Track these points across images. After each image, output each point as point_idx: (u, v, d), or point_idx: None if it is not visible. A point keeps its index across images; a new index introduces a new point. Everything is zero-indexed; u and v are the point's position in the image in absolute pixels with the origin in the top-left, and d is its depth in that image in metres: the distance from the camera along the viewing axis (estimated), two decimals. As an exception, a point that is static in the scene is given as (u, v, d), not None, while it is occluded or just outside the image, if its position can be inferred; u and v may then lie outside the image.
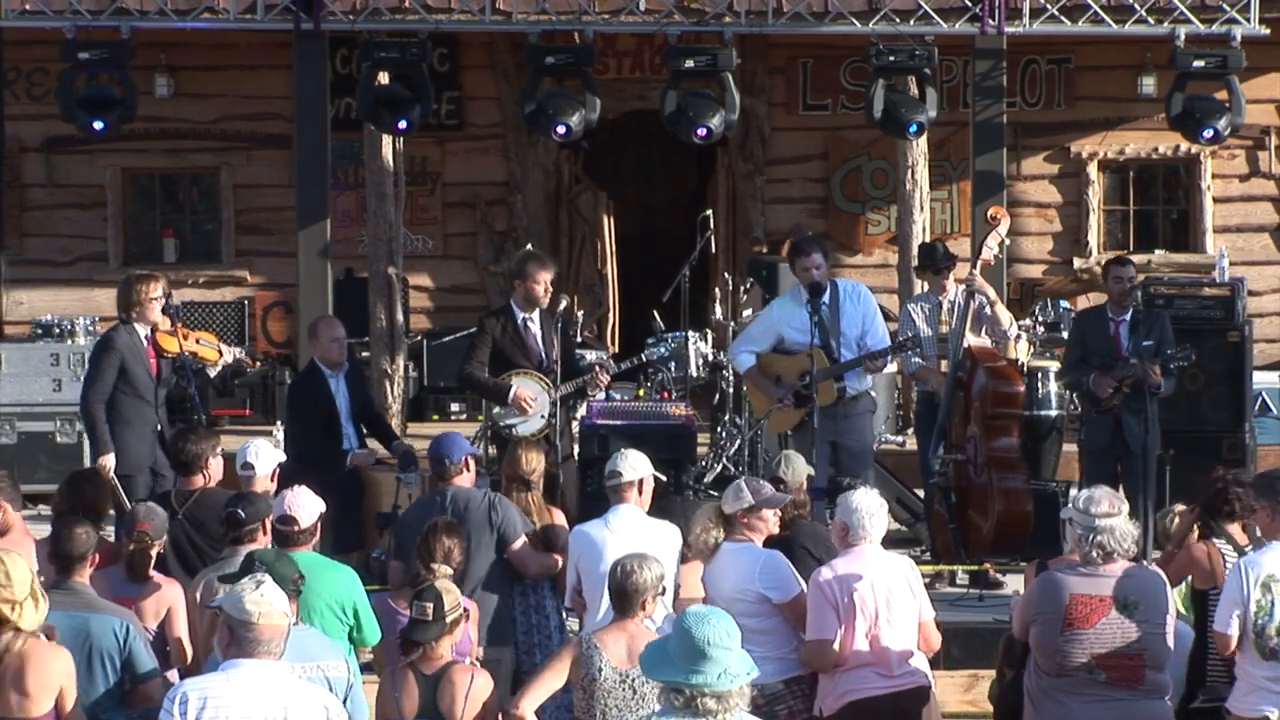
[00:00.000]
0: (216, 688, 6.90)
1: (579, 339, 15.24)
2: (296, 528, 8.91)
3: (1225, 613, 8.57)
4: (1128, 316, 12.86)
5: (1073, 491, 12.56)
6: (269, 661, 6.94)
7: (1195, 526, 9.45)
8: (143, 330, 12.37)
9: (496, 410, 12.55)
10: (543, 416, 12.46)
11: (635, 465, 9.66)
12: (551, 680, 8.13)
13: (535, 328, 12.53)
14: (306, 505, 8.96)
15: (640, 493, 9.67)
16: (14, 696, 7.54)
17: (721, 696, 5.84)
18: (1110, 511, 8.39)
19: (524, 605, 10.05)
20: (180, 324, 12.48)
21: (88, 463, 12.74)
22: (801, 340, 12.41)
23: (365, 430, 12.73)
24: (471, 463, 10.26)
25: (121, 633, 8.18)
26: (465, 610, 8.26)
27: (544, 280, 12.49)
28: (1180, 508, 9.91)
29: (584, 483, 13.02)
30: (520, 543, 9.90)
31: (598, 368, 12.66)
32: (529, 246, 16.44)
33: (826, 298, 12.48)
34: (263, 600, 6.94)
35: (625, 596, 8.27)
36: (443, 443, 10.19)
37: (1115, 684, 8.36)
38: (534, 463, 10.28)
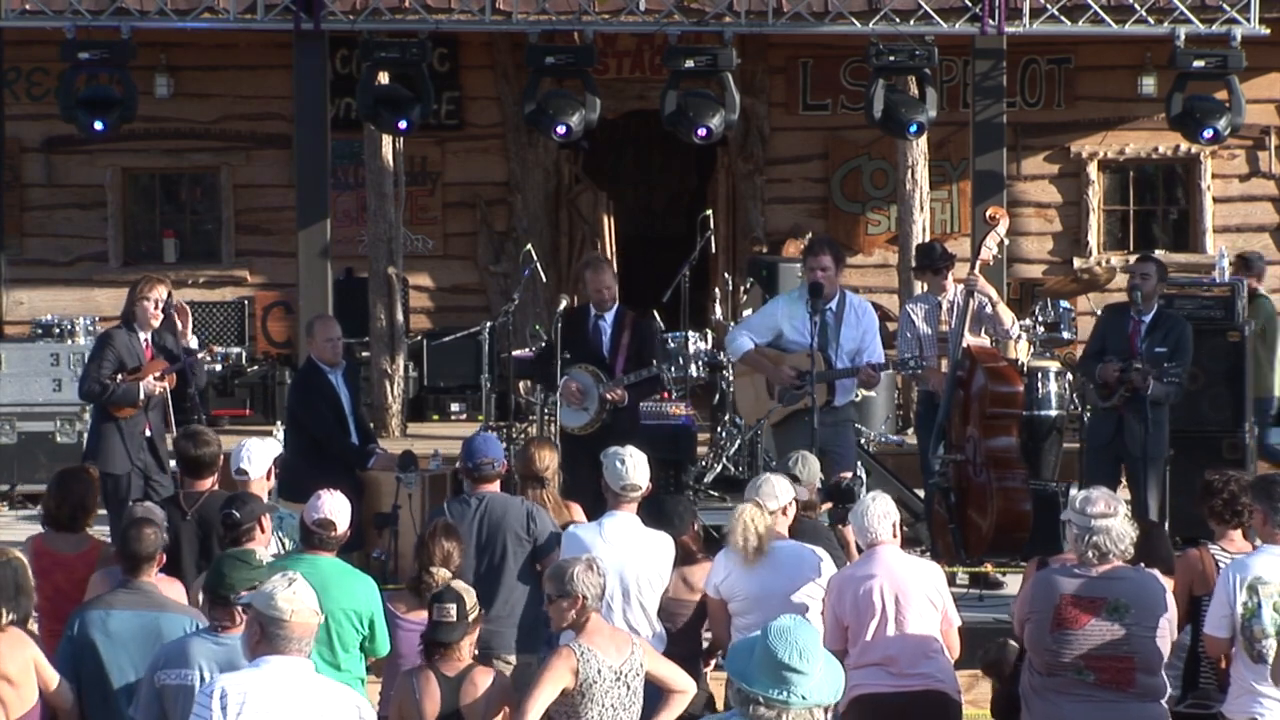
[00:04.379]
0: (255, 683, 6.87)
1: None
2: (334, 532, 8.89)
3: (1215, 616, 8.62)
4: (1148, 317, 12.70)
5: (1073, 491, 12.56)
6: (299, 659, 6.94)
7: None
8: (143, 334, 12.40)
9: (551, 400, 12.70)
10: (586, 410, 12.65)
11: (645, 473, 9.63)
12: (551, 690, 8.02)
13: (606, 326, 12.76)
14: (341, 510, 8.94)
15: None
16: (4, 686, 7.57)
17: (779, 710, 5.79)
18: (1106, 512, 8.41)
19: None
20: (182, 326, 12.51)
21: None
22: (800, 340, 12.41)
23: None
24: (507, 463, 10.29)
25: (190, 631, 8.15)
26: (481, 611, 8.26)
27: (595, 283, 12.87)
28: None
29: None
30: (554, 554, 9.83)
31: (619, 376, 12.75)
32: (529, 247, 16.45)
33: (833, 305, 12.53)
34: (295, 598, 6.93)
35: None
36: (485, 445, 10.02)
37: (1104, 685, 8.37)
38: (547, 460, 10.20)
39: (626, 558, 9.35)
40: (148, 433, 12.35)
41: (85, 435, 15.15)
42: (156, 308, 12.41)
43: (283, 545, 9.49)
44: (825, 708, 5.84)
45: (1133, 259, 15.24)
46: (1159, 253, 18.48)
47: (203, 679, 7.54)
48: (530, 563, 9.77)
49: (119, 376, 12.24)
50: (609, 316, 12.84)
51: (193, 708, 7.01)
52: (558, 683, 8.02)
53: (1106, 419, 12.74)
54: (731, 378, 15.14)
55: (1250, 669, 8.53)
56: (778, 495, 9.46)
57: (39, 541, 9.53)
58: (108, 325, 13.76)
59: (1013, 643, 9.45)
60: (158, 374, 12.29)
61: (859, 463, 13.20)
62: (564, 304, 12.51)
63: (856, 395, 13.00)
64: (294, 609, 6.91)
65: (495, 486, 9.96)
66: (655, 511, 9.68)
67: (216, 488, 9.92)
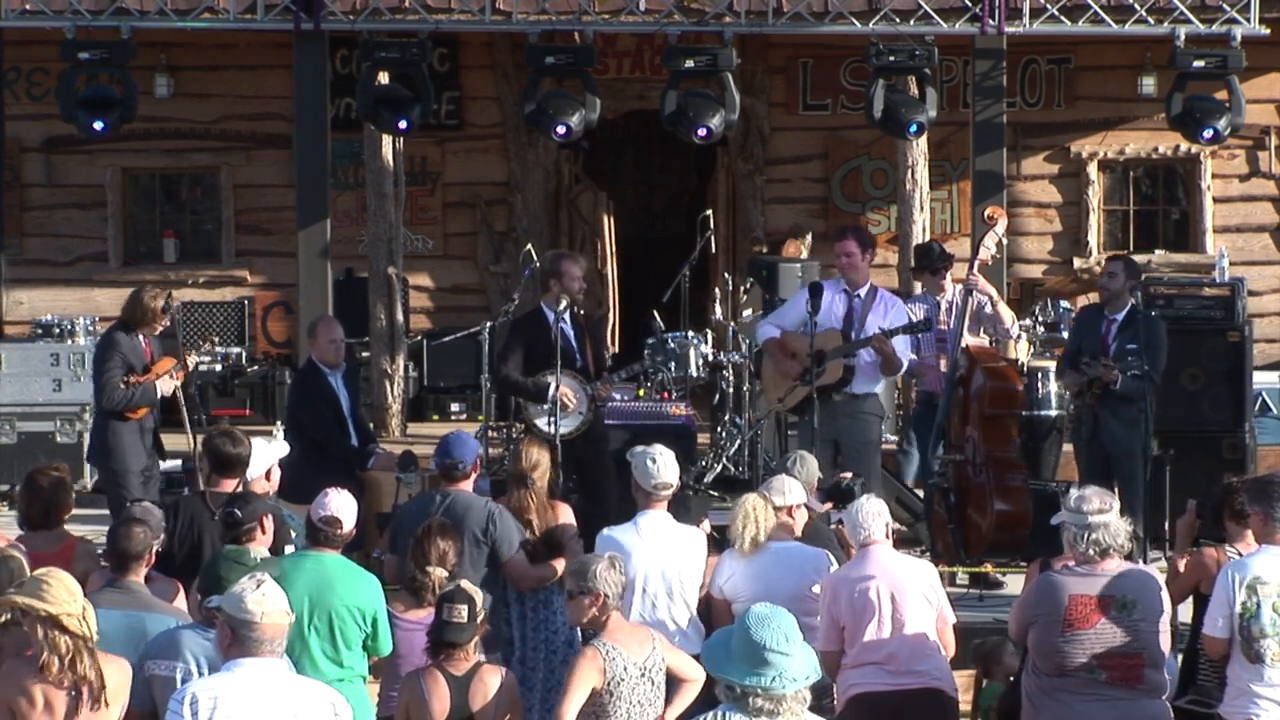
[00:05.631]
0: (226, 688, 6.88)
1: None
2: (340, 530, 8.92)
3: (1214, 616, 8.62)
4: (1120, 316, 12.65)
5: (1072, 491, 12.55)
6: (272, 660, 6.94)
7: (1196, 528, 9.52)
8: (142, 336, 12.43)
9: (531, 409, 12.55)
10: (580, 414, 12.48)
11: (675, 471, 9.65)
12: (582, 692, 8.02)
13: (568, 328, 12.55)
14: (348, 508, 8.98)
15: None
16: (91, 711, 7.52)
17: (776, 699, 5.82)
18: (1102, 508, 8.47)
19: (529, 604, 10.00)
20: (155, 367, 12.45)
21: (129, 460, 12.56)
22: (828, 323, 12.38)
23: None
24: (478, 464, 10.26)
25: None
26: (486, 611, 8.28)
27: (578, 275, 12.61)
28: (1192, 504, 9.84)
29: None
30: (515, 557, 9.84)
31: (602, 376, 12.67)
32: (529, 247, 16.44)
33: (863, 292, 12.57)
34: (264, 599, 6.94)
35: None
36: (455, 445, 10.05)
37: (1115, 683, 8.40)
38: (535, 458, 10.15)
39: (666, 555, 9.43)
40: (154, 426, 12.43)
41: (86, 435, 15.20)
42: (165, 318, 12.51)
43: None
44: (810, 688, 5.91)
45: (1135, 258, 15.24)
46: (1159, 252, 18.53)
47: (190, 672, 7.57)
48: (491, 566, 9.72)
49: (130, 378, 12.27)
50: (567, 317, 12.54)
51: (165, 714, 7.02)
52: (588, 684, 8.02)
53: (1086, 415, 12.78)
54: (731, 378, 15.17)
55: (1247, 669, 8.54)
56: (785, 492, 9.49)
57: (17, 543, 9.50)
58: (107, 325, 13.75)
59: (1011, 643, 9.47)
60: (169, 371, 12.31)
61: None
62: (563, 303, 12.38)
63: (880, 386, 12.90)
64: (264, 610, 6.92)
65: (467, 486, 9.96)
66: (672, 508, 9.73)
67: (241, 488, 9.91)
